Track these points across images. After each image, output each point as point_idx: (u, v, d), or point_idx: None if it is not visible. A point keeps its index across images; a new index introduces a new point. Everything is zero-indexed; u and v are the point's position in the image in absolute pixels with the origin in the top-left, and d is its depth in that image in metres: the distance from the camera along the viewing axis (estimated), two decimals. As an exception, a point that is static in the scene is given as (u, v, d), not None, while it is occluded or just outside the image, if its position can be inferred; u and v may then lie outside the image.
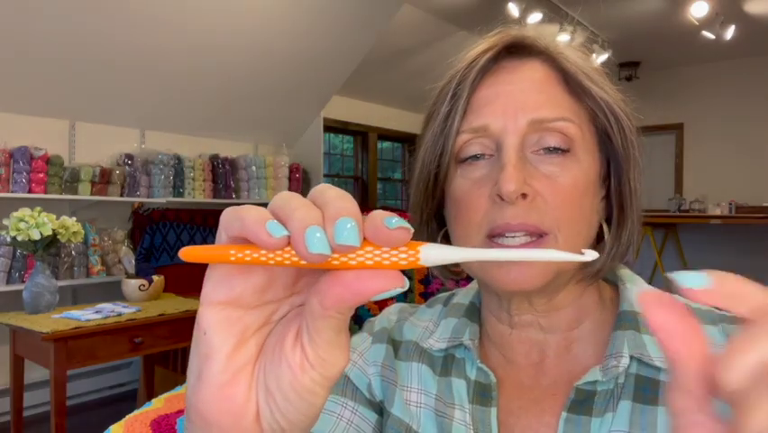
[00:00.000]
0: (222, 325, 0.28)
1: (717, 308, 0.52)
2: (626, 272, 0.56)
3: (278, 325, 0.30)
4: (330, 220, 0.25)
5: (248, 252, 0.26)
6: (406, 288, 0.25)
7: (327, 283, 0.26)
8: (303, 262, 0.25)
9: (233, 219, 0.27)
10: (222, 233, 0.28)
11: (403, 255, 0.25)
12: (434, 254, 0.25)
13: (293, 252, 0.25)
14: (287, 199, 0.26)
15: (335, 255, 0.25)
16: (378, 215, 0.25)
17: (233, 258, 0.26)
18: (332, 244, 0.24)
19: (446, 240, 0.56)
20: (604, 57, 5.46)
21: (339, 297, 0.25)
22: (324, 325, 0.26)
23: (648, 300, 0.24)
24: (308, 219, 0.25)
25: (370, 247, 0.25)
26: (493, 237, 0.47)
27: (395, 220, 0.24)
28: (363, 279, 0.25)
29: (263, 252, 0.26)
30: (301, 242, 0.24)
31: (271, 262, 0.26)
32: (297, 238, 0.24)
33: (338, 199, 0.26)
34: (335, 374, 0.28)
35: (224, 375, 0.28)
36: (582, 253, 0.26)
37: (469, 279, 0.64)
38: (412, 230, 0.25)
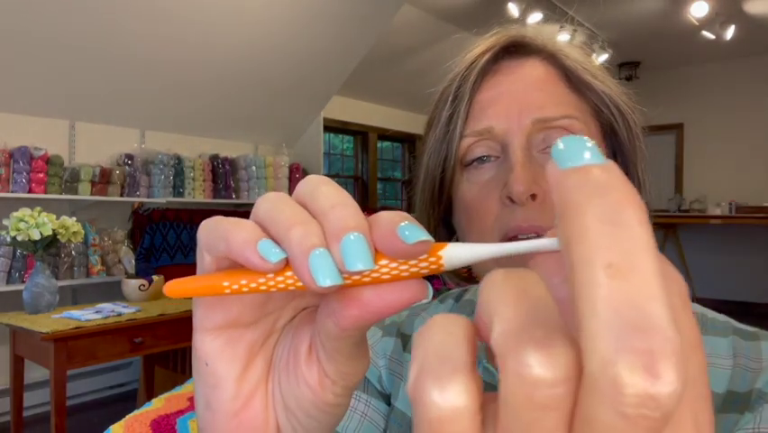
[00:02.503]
0: (224, 351, 0.26)
1: (735, 321, 0.50)
2: None
3: (284, 333, 0.27)
4: (334, 238, 0.21)
5: (244, 281, 0.22)
6: (430, 297, 0.22)
7: (342, 304, 0.22)
8: None
9: (216, 239, 0.23)
10: (203, 253, 0.24)
11: (423, 264, 0.22)
12: (457, 255, 0.22)
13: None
14: (276, 209, 0.23)
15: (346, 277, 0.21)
16: (388, 224, 0.21)
17: (227, 291, 0.23)
18: (341, 268, 0.21)
19: None
20: (604, 57, 5.45)
21: (357, 318, 0.22)
22: (343, 343, 0.24)
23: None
24: (308, 240, 0.21)
25: (385, 261, 0.21)
26: (507, 241, 0.47)
27: (408, 230, 0.20)
28: (383, 295, 0.22)
29: (262, 280, 0.22)
30: (306, 272, 0.21)
31: (273, 289, 0.22)
32: (301, 268, 0.21)
33: (338, 207, 0.22)
34: (358, 382, 0.26)
35: (237, 402, 0.26)
36: None
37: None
38: (431, 239, 0.21)
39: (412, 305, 0.22)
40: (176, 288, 0.23)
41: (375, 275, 0.22)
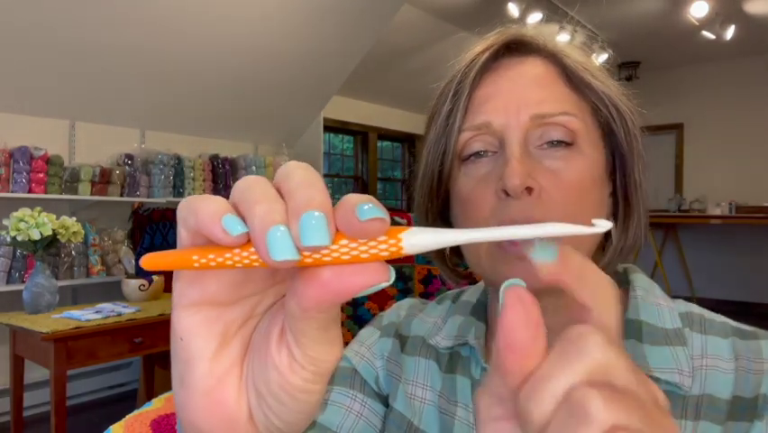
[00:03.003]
0: (199, 328, 0.26)
1: (732, 320, 0.51)
2: (639, 277, 0.55)
3: (263, 318, 0.28)
4: (294, 215, 0.22)
5: (212, 256, 0.23)
6: (392, 280, 0.22)
7: (302, 284, 0.23)
8: None
9: (188, 212, 0.24)
10: (180, 228, 0.25)
11: (383, 246, 0.22)
12: (418, 240, 0.22)
13: None
14: (249, 188, 0.23)
15: (306, 255, 0.22)
16: (348, 203, 0.22)
17: (196, 264, 0.23)
18: (297, 244, 0.21)
19: None
20: (604, 57, 5.45)
21: (317, 298, 0.22)
22: (308, 325, 0.24)
23: (511, 296, 0.22)
24: (269, 216, 0.22)
25: (345, 240, 0.22)
26: None
27: (366, 208, 0.21)
28: (343, 276, 0.22)
29: (228, 255, 0.23)
30: (263, 246, 0.21)
31: (239, 265, 0.23)
32: (258, 241, 0.21)
33: (302, 187, 0.22)
34: (328, 369, 0.26)
35: (209, 380, 0.26)
36: (593, 225, 0.22)
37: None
38: (388, 219, 0.21)
39: (372, 288, 0.22)
40: (151, 261, 0.24)
41: (335, 255, 0.22)
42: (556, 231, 0.22)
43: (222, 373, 0.26)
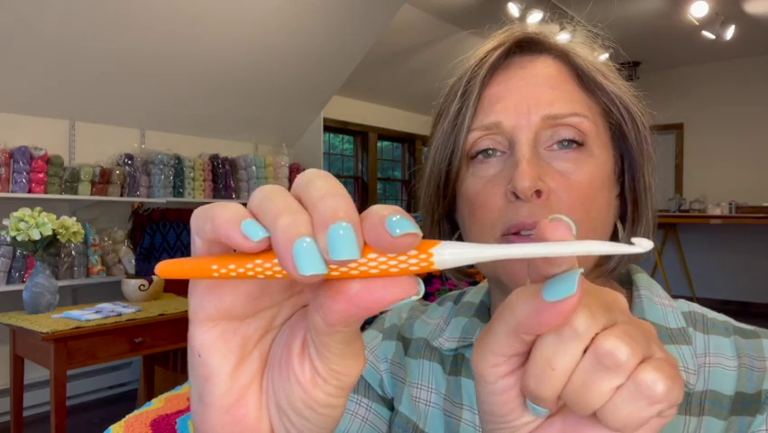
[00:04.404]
0: (217, 343, 0.25)
1: (733, 320, 0.51)
2: (642, 277, 0.54)
3: (282, 329, 0.27)
4: (321, 227, 0.20)
5: (232, 266, 0.22)
6: (422, 294, 0.22)
7: (329, 297, 0.22)
8: None
9: (203, 221, 0.23)
10: (194, 237, 0.24)
11: (413, 261, 0.21)
12: (450, 255, 0.21)
13: None
14: (269, 198, 0.22)
15: (333, 268, 0.21)
16: (377, 216, 0.21)
17: (216, 274, 0.22)
18: (325, 257, 0.20)
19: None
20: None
21: (344, 313, 0.22)
22: (332, 339, 0.23)
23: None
24: (295, 228, 0.20)
25: (374, 255, 0.21)
26: (507, 236, 0.46)
27: (395, 221, 0.20)
28: (371, 290, 0.21)
29: (250, 265, 0.22)
30: (289, 260, 0.20)
31: (260, 276, 0.22)
32: (284, 254, 0.20)
33: (328, 198, 0.21)
34: (351, 383, 0.25)
35: (229, 397, 0.25)
36: (632, 243, 0.21)
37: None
38: (420, 234, 0.21)
39: (401, 302, 0.21)
40: (167, 268, 0.23)
41: (363, 269, 0.21)
42: (598, 249, 0.21)
43: (241, 389, 0.26)
